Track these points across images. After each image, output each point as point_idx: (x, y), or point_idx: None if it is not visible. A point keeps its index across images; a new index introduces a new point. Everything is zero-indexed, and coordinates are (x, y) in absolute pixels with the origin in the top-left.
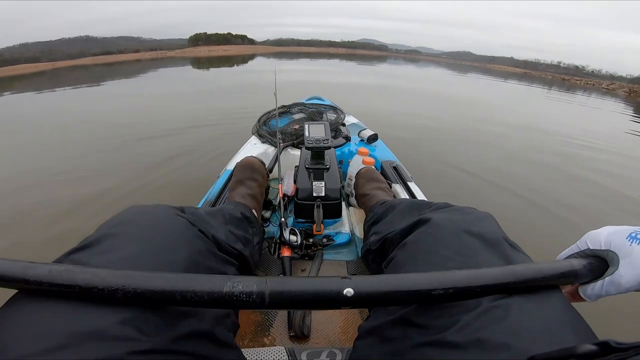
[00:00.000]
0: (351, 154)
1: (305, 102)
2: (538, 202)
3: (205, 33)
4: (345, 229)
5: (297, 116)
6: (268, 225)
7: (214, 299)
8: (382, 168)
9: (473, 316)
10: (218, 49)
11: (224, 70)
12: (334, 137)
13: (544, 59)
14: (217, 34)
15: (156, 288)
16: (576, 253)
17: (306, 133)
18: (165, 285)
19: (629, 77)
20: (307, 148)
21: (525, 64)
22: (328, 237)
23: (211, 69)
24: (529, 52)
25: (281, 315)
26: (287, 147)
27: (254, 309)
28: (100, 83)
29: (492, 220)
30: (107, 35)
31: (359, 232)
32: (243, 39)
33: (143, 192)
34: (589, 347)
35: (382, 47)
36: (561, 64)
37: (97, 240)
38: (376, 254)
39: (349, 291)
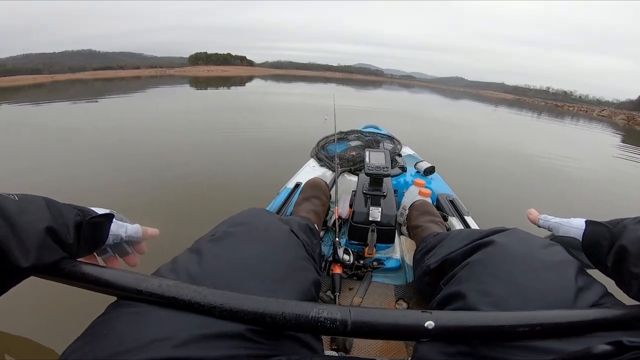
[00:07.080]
0: (406, 185)
1: (362, 129)
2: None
3: (206, 52)
4: (396, 255)
5: (353, 143)
6: (321, 243)
7: (300, 323)
8: (438, 201)
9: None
10: (217, 69)
11: (222, 91)
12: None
13: (533, 85)
14: (216, 54)
15: (249, 309)
16: None
17: (367, 159)
18: (258, 307)
19: (615, 101)
20: (366, 174)
21: (516, 89)
22: (379, 260)
23: (209, 89)
24: (518, 77)
25: None
26: (344, 172)
27: (335, 335)
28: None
29: (560, 247)
30: (109, 50)
31: (409, 260)
32: (242, 60)
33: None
34: (604, 347)
35: (377, 72)
36: (550, 89)
37: (219, 237)
38: (433, 275)
39: (430, 324)
